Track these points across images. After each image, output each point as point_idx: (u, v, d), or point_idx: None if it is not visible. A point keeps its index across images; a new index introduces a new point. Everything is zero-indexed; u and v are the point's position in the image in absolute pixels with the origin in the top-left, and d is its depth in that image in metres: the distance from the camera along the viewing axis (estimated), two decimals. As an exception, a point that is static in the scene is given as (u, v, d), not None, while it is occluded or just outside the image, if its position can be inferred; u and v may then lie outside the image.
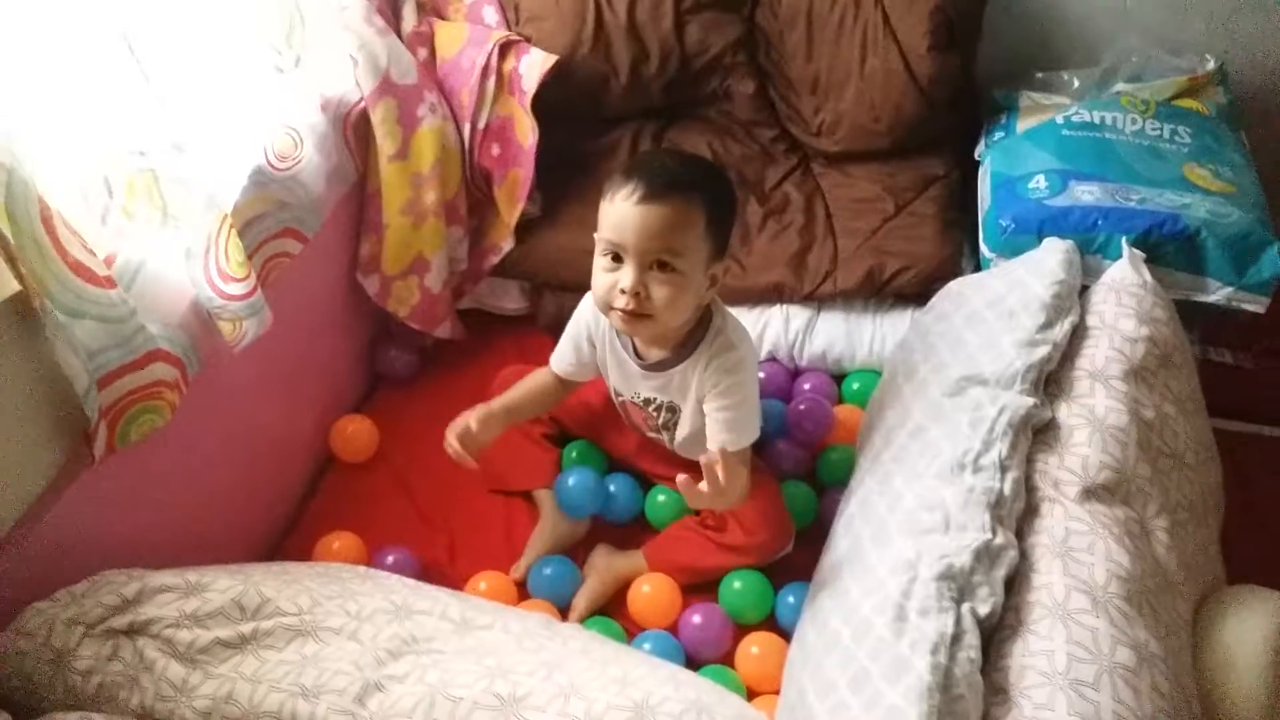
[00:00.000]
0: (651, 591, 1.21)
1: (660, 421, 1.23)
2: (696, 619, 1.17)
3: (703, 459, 1.04)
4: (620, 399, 1.26)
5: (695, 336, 1.16)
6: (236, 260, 1.10)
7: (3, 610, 0.91)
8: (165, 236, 1.07)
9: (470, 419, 1.20)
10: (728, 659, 1.17)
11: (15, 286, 0.89)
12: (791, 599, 1.17)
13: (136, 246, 1.06)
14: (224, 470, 1.23)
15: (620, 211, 1.04)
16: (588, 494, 1.28)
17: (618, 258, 1.07)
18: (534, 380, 1.30)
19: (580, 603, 1.21)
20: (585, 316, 1.23)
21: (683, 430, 1.23)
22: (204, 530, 1.20)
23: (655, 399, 1.21)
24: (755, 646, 1.15)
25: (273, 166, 1.23)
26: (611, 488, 1.32)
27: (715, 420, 1.15)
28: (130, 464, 1.05)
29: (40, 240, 0.87)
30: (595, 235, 1.11)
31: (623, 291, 1.06)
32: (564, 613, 1.21)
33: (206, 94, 1.16)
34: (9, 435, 0.94)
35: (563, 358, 1.28)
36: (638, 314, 1.07)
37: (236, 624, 0.90)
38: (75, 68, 0.95)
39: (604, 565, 1.25)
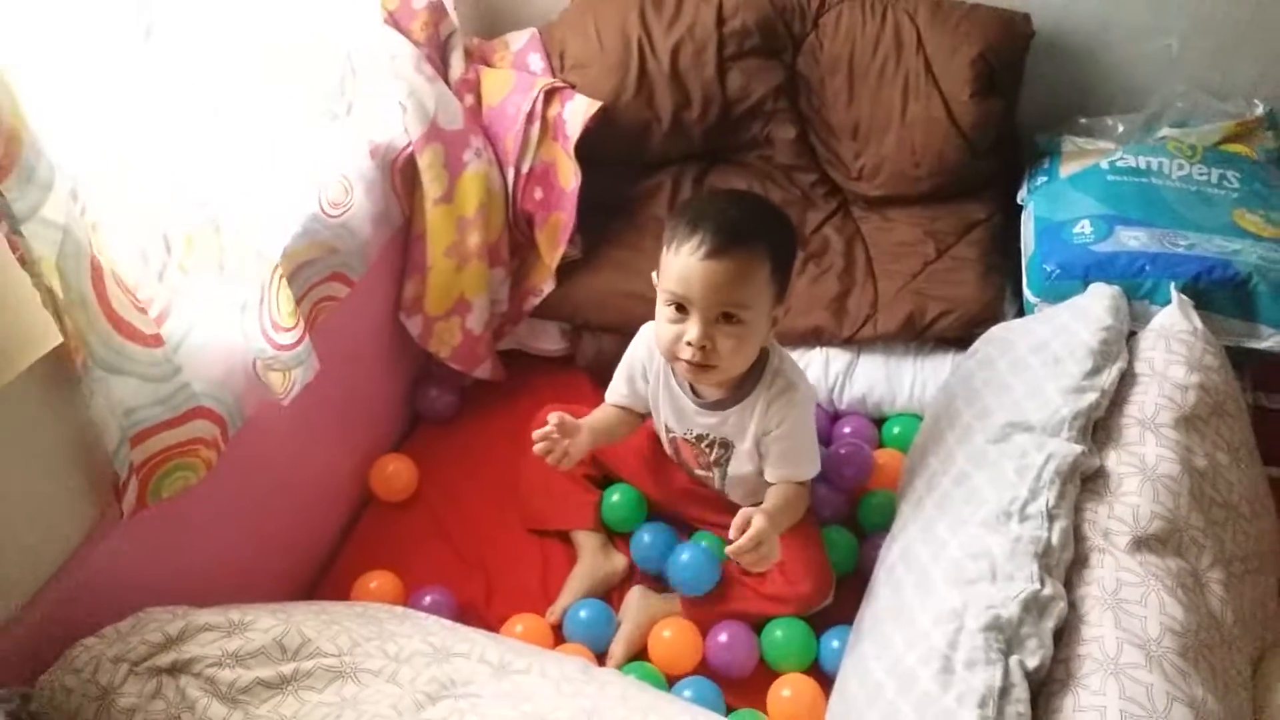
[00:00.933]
0: (673, 636, 1.19)
1: (712, 458, 1.23)
2: (723, 637, 1.17)
3: (736, 520, 1.04)
4: (671, 435, 1.26)
5: (753, 376, 1.16)
6: (286, 310, 1.12)
7: (52, 648, 0.93)
8: (221, 291, 1.08)
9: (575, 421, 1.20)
10: (759, 703, 1.15)
11: (59, 338, 0.91)
12: (835, 643, 1.15)
13: (191, 302, 1.06)
14: (265, 509, 1.25)
15: (686, 265, 1.05)
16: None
17: (682, 308, 1.07)
18: (607, 410, 1.30)
19: (618, 649, 1.20)
20: (639, 353, 1.24)
21: (735, 468, 1.22)
22: (244, 568, 1.21)
23: (708, 435, 1.21)
24: (787, 689, 1.14)
25: (325, 214, 1.26)
26: (646, 537, 1.30)
27: (775, 454, 1.17)
28: (173, 504, 1.06)
29: (87, 298, 0.89)
30: (656, 283, 1.11)
31: (689, 344, 1.07)
32: (600, 658, 1.20)
33: (263, 143, 1.18)
34: (51, 482, 0.96)
35: (617, 392, 1.28)
36: (704, 365, 1.08)
37: (277, 664, 0.91)
38: (135, 119, 0.97)
39: (640, 608, 1.24)
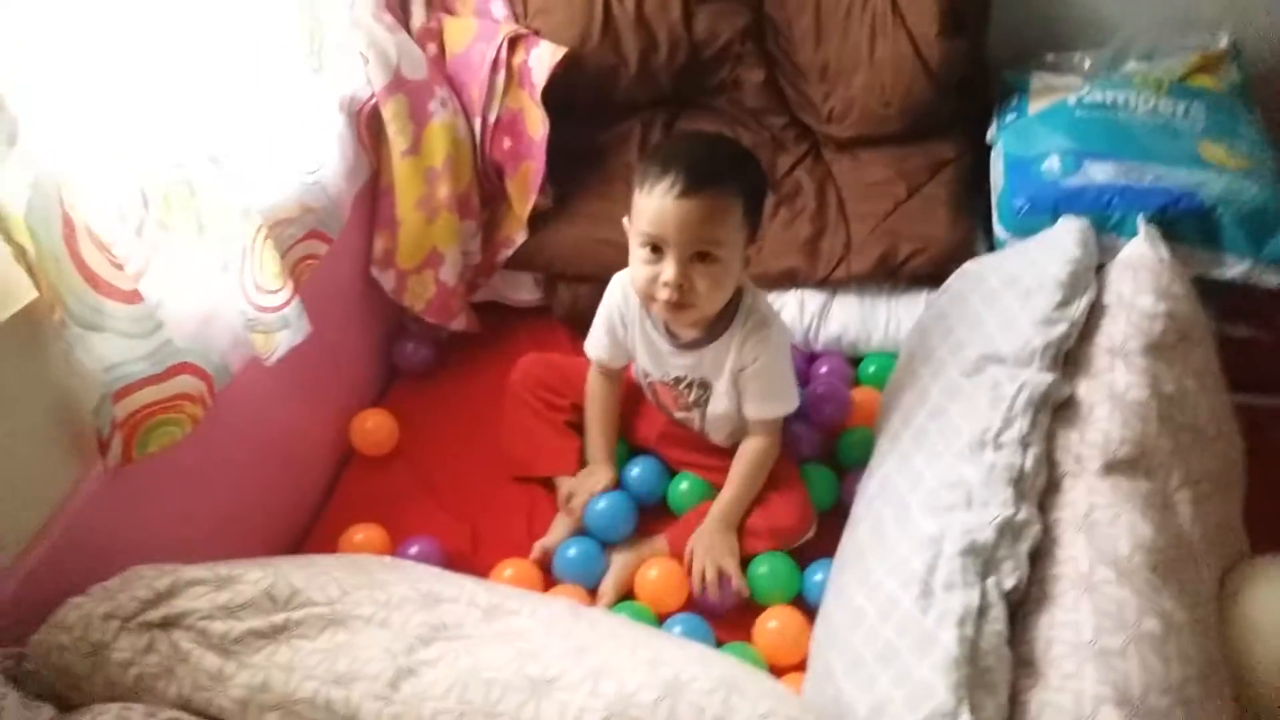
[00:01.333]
0: (659, 575, 1.21)
1: (691, 399, 1.24)
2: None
3: (695, 572, 1.17)
4: (649, 379, 1.27)
5: (727, 314, 1.17)
6: (272, 271, 1.10)
7: (40, 608, 0.93)
8: (201, 249, 1.06)
9: (585, 486, 1.28)
10: (746, 636, 1.17)
11: (33, 294, 0.90)
12: (819, 576, 1.18)
13: (171, 259, 1.05)
14: (247, 467, 1.24)
15: (659, 205, 1.05)
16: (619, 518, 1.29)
17: (657, 249, 1.08)
18: (593, 394, 1.33)
19: (607, 588, 1.22)
20: (615, 299, 1.25)
21: (714, 407, 1.24)
22: (229, 527, 1.21)
23: (686, 377, 1.22)
24: (773, 621, 1.16)
25: (302, 170, 1.24)
26: (634, 471, 1.33)
27: (753, 392, 1.19)
28: (153, 464, 1.06)
29: (60, 254, 0.88)
30: (627, 224, 1.11)
31: (666, 284, 1.07)
32: (591, 595, 1.22)
33: (239, 102, 1.15)
34: (32, 441, 0.95)
35: (597, 343, 1.29)
36: (681, 305, 1.09)
37: (268, 614, 0.91)
38: (111, 78, 0.94)
39: (627, 549, 1.26)
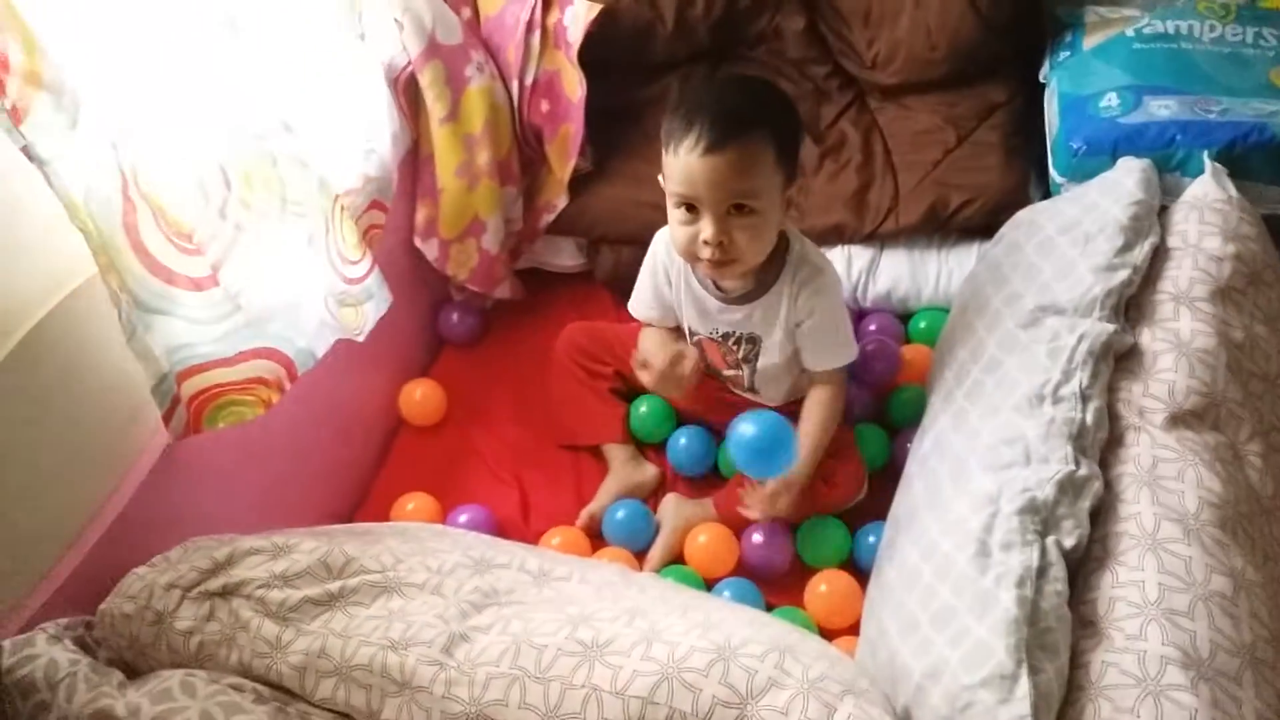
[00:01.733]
0: (709, 540, 1.20)
1: (740, 355, 1.22)
2: (757, 537, 1.19)
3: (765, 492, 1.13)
4: (696, 338, 1.25)
5: (775, 264, 1.14)
6: (352, 242, 1.10)
7: (106, 578, 0.96)
8: (285, 226, 1.05)
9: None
10: (797, 600, 1.16)
11: (93, 270, 0.92)
12: (872, 539, 1.16)
13: (255, 241, 1.02)
14: (300, 439, 1.26)
15: (687, 164, 1.02)
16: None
17: (692, 208, 1.05)
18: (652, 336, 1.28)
19: (655, 554, 1.22)
20: (659, 256, 1.22)
21: (765, 360, 1.21)
22: (283, 497, 1.24)
23: (734, 333, 1.20)
24: (824, 585, 1.15)
25: (361, 140, 1.24)
26: (683, 440, 1.32)
27: (814, 343, 1.17)
28: (211, 438, 1.08)
29: (118, 241, 0.88)
30: (663, 184, 1.09)
31: (706, 243, 1.05)
32: (640, 558, 1.22)
33: (294, 71, 1.14)
34: (94, 416, 0.98)
35: (643, 303, 1.26)
36: (725, 261, 1.06)
37: (324, 583, 0.93)
38: (169, 54, 0.92)
39: (675, 514, 1.25)
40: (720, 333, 1.21)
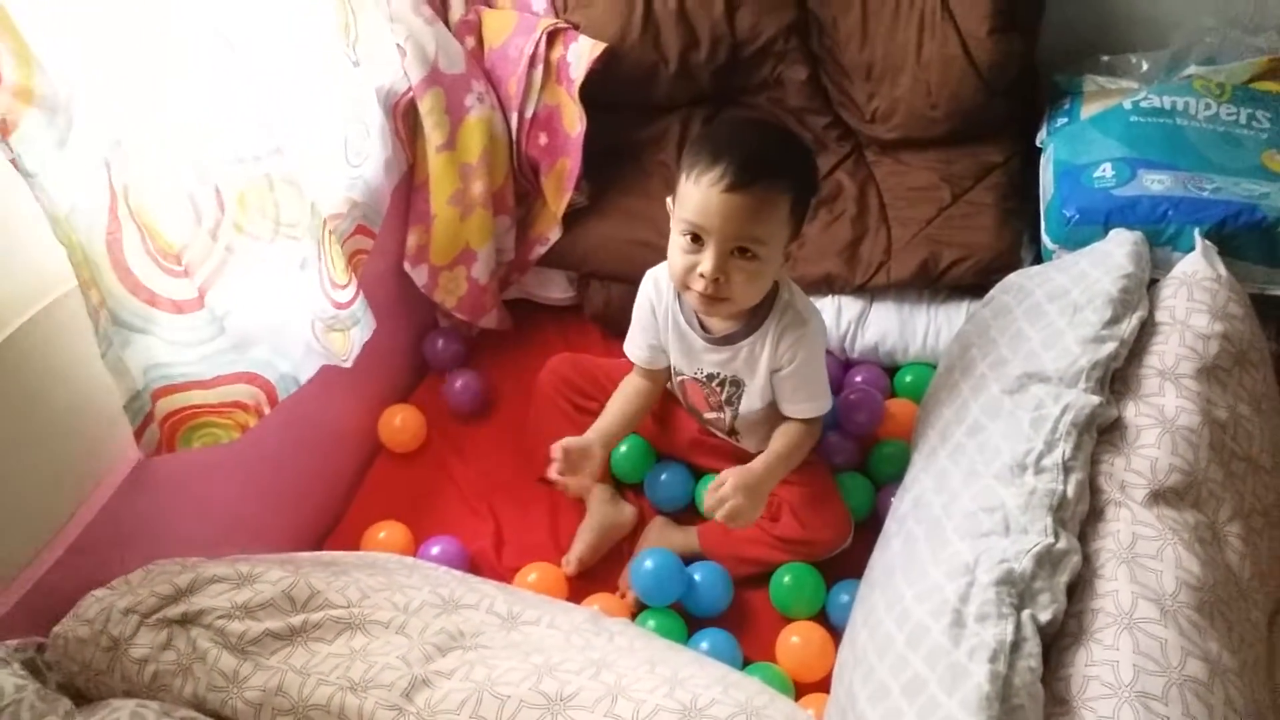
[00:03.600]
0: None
1: (723, 397, 1.22)
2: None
3: (714, 482, 1.07)
4: (680, 378, 1.24)
5: (763, 308, 1.14)
6: (340, 266, 1.09)
7: (64, 597, 0.93)
8: (277, 249, 1.03)
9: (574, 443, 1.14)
10: (771, 653, 1.15)
11: (70, 284, 0.90)
12: (845, 597, 1.15)
13: (246, 262, 1.01)
14: (274, 460, 1.24)
15: (705, 196, 1.02)
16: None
17: (697, 238, 1.05)
18: (625, 388, 1.26)
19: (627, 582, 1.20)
20: (648, 293, 1.21)
21: (746, 404, 1.21)
22: (253, 520, 1.22)
23: (718, 374, 1.20)
24: (796, 636, 1.14)
25: (347, 165, 1.23)
26: (662, 476, 1.31)
27: (789, 390, 1.16)
28: (182, 455, 1.06)
29: (99, 260, 0.87)
30: (671, 205, 1.09)
31: (702, 276, 1.05)
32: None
33: (284, 95, 1.13)
34: (61, 432, 0.96)
35: (635, 344, 1.25)
36: (716, 297, 1.06)
37: (287, 616, 0.91)
38: (162, 73, 0.91)
39: (659, 539, 1.25)
40: (704, 373, 1.20)
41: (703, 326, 1.18)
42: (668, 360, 1.26)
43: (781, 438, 1.18)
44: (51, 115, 0.79)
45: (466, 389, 1.46)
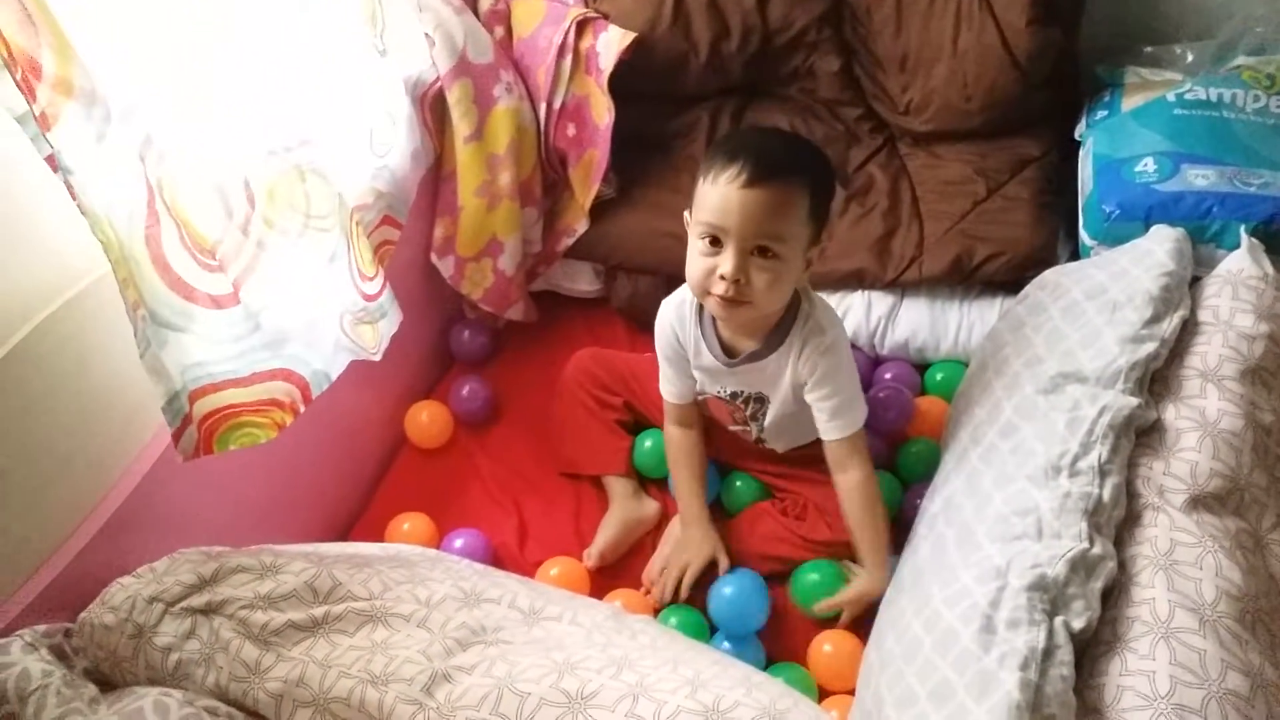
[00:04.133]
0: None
1: (748, 413, 1.20)
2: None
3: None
4: (703, 396, 1.23)
5: (785, 323, 1.12)
6: (367, 258, 1.08)
7: (92, 585, 0.94)
8: (306, 243, 1.02)
9: (680, 560, 1.19)
10: (798, 653, 1.14)
11: (93, 274, 0.90)
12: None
13: (277, 257, 1.00)
14: (300, 451, 1.24)
15: (723, 194, 1.01)
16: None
17: (716, 241, 1.03)
18: (673, 445, 1.24)
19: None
20: (669, 320, 1.18)
21: (772, 416, 1.19)
22: (280, 511, 1.22)
23: (742, 392, 1.18)
24: (828, 644, 1.12)
25: (375, 154, 1.22)
26: None
27: (822, 410, 1.14)
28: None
29: (139, 255, 0.86)
30: (688, 218, 1.07)
31: (722, 278, 1.03)
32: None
33: (310, 86, 1.12)
34: (88, 421, 0.96)
35: (664, 379, 1.22)
36: (736, 300, 1.04)
37: (309, 607, 0.91)
38: (206, 65, 0.91)
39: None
40: (728, 391, 1.19)
41: (724, 349, 1.16)
42: (695, 392, 1.23)
43: (852, 508, 1.14)
44: (89, 108, 0.78)
45: (474, 395, 1.44)
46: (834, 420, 1.13)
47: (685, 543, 1.20)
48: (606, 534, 1.26)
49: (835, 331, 1.13)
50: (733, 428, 1.24)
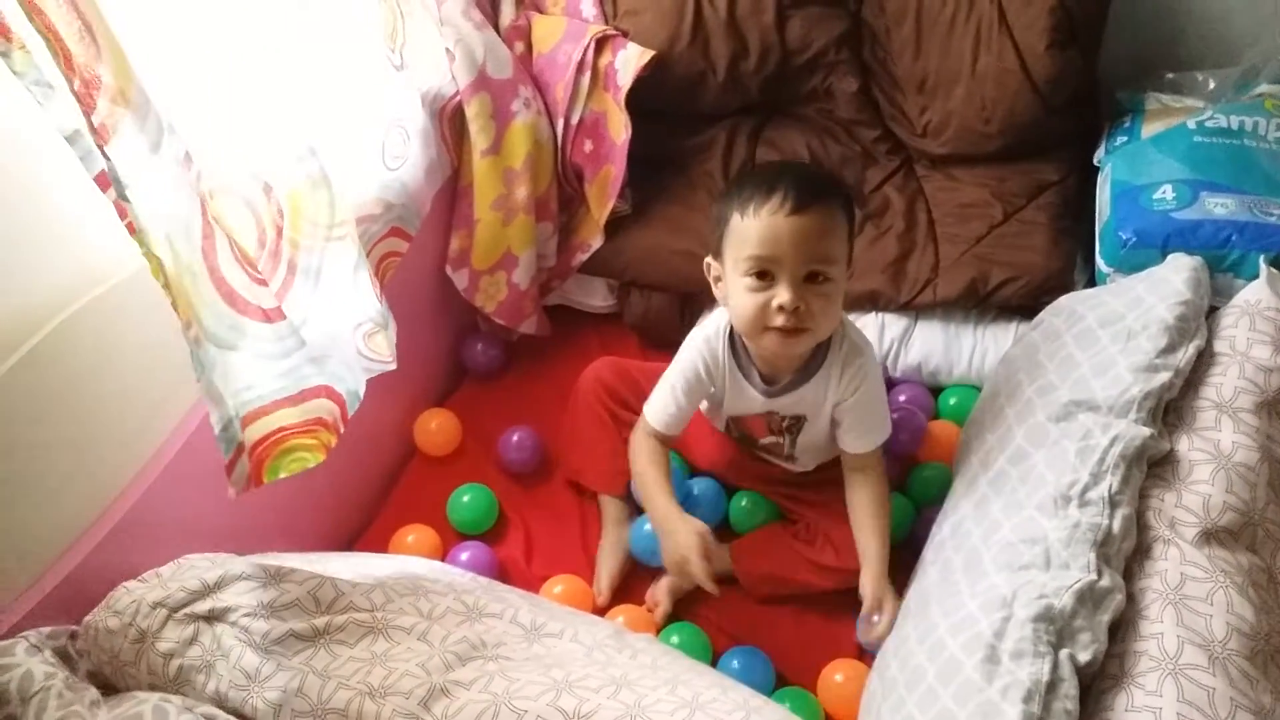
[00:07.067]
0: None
1: (784, 426, 1.19)
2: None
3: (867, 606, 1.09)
4: (737, 417, 1.22)
5: (822, 346, 1.12)
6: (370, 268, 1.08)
7: (98, 588, 0.94)
8: (329, 254, 1.00)
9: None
10: (808, 677, 1.12)
11: (113, 279, 0.91)
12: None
13: (310, 269, 0.99)
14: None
15: (770, 225, 1.01)
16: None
17: (763, 274, 1.02)
18: (642, 452, 1.19)
19: (663, 595, 1.19)
20: (700, 355, 1.15)
21: (808, 435, 1.19)
22: (286, 518, 1.22)
23: (778, 413, 1.18)
24: (840, 674, 1.10)
25: (386, 167, 1.23)
26: (695, 490, 1.29)
27: (851, 425, 1.14)
28: (216, 451, 1.07)
29: (197, 269, 0.85)
30: (710, 264, 1.08)
31: (781, 309, 1.01)
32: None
33: (322, 98, 1.13)
34: (97, 426, 0.97)
35: (665, 409, 1.18)
36: (796, 330, 1.03)
37: (311, 617, 0.91)
38: (241, 76, 0.90)
39: None
40: (765, 411, 1.18)
41: (763, 379, 1.15)
42: (682, 427, 1.21)
43: (865, 516, 1.13)
44: (143, 119, 0.77)
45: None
46: (867, 435, 1.14)
47: (672, 544, 1.11)
48: (607, 566, 1.25)
49: (869, 349, 1.14)
50: (764, 440, 1.23)
